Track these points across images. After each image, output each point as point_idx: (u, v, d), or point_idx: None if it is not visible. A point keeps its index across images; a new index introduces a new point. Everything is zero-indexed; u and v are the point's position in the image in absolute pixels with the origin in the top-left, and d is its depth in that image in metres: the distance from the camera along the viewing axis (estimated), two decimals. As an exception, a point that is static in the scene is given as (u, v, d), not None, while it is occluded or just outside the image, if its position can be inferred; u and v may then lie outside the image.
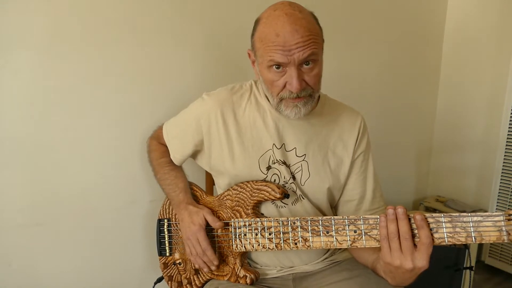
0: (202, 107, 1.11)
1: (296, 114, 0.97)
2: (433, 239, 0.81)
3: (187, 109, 1.17)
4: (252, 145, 1.07)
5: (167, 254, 1.20)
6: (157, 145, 1.26)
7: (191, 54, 1.54)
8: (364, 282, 1.04)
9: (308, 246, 0.94)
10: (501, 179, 2.29)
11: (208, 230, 1.08)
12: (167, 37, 1.48)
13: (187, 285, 1.16)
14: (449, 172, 2.63)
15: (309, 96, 0.97)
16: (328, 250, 1.16)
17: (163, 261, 1.21)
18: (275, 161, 1.06)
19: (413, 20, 2.36)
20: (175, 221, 1.19)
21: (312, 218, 0.93)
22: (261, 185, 1.04)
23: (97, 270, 1.47)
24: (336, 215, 1.16)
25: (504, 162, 2.26)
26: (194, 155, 1.18)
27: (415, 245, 0.81)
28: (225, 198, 1.10)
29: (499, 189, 2.29)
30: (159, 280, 1.26)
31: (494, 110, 2.32)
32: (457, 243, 0.80)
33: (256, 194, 1.04)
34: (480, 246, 2.45)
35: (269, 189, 1.02)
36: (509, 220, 0.75)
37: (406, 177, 2.62)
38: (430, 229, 0.81)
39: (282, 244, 0.97)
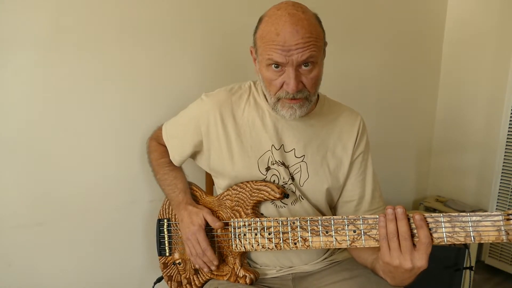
0: (201, 108, 1.11)
1: (292, 115, 0.97)
2: (432, 239, 0.81)
3: (186, 110, 1.17)
4: (251, 146, 1.07)
5: (167, 254, 1.21)
6: (156, 145, 1.26)
7: (191, 54, 1.54)
8: (364, 282, 1.03)
9: (307, 246, 0.94)
10: (501, 179, 2.29)
11: (208, 230, 1.08)
12: (167, 37, 1.48)
13: (187, 285, 1.17)
14: (449, 172, 2.63)
15: (305, 98, 0.96)
16: (328, 250, 1.16)
17: (162, 261, 1.21)
18: (274, 162, 1.06)
19: (413, 20, 2.36)
20: (175, 221, 1.20)
21: (311, 218, 0.93)
22: (260, 185, 1.04)
23: (97, 270, 1.47)
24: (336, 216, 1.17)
25: (504, 162, 2.26)
26: (194, 155, 1.18)
27: (414, 245, 0.82)
28: (224, 198, 1.10)
29: (499, 189, 2.29)
30: (159, 280, 1.26)
31: (494, 110, 2.32)
32: (456, 243, 0.80)
33: (255, 194, 1.04)
34: (480, 246, 2.45)
35: (269, 189, 1.02)
36: (508, 220, 0.75)
37: (406, 177, 2.62)
38: (429, 229, 0.81)
39: (282, 244, 0.97)
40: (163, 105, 1.48)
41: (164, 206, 1.24)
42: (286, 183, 1.07)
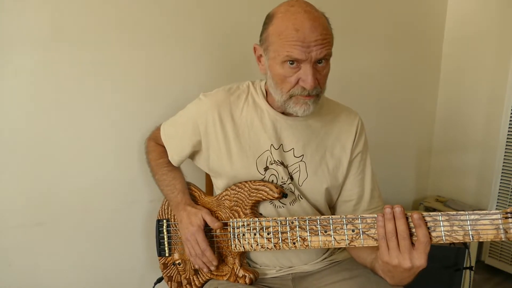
0: (199, 107, 1.10)
1: (305, 111, 0.97)
2: (430, 238, 0.81)
3: (184, 110, 1.17)
4: (250, 146, 1.07)
5: (167, 255, 1.21)
6: (155, 146, 1.26)
7: (191, 54, 1.54)
8: (364, 282, 1.03)
9: (306, 246, 0.94)
10: (501, 179, 2.28)
11: (207, 230, 1.08)
12: (166, 37, 1.48)
13: (187, 285, 1.17)
14: (449, 172, 2.62)
15: (316, 95, 0.97)
16: (328, 250, 1.16)
17: (162, 262, 1.21)
18: (273, 162, 1.06)
19: (413, 20, 2.36)
20: (174, 221, 1.20)
21: (310, 218, 0.93)
22: (259, 185, 1.04)
23: (97, 270, 1.48)
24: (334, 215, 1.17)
25: (504, 162, 2.26)
26: (192, 155, 1.18)
27: (413, 244, 0.81)
28: (223, 198, 1.10)
29: (499, 189, 2.29)
30: (159, 280, 1.27)
31: (494, 109, 2.32)
32: (454, 241, 0.80)
33: (254, 194, 1.04)
34: (480, 246, 2.45)
35: (267, 189, 1.02)
36: (506, 218, 0.75)
37: (406, 177, 2.62)
38: (428, 228, 0.81)
39: (281, 244, 0.97)
40: (163, 105, 1.48)
41: (163, 207, 1.24)
42: (285, 183, 1.07)
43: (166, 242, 1.21)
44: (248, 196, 1.05)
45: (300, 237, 0.94)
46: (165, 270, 1.21)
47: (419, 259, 0.80)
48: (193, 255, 1.09)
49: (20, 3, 1.20)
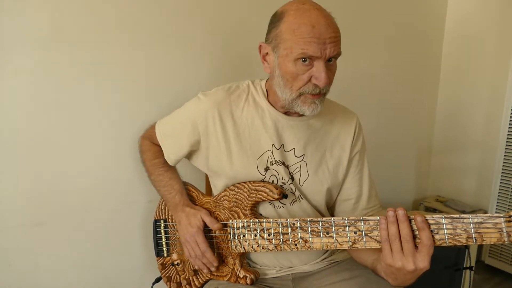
0: (198, 107, 1.09)
1: (313, 110, 0.97)
2: (434, 241, 0.81)
3: (182, 109, 1.14)
4: (250, 145, 1.06)
5: (165, 255, 1.20)
6: (149, 145, 1.23)
7: (191, 54, 1.54)
8: (364, 282, 1.03)
9: (308, 247, 0.93)
10: (501, 179, 2.28)
11: (206, 231, 1.08)
12: (166, 37, 1.47)
13: (186, 286, 1.16)
14: (449, 172, 2.63)
15: (324, 94, 0.97)
16: (327, 250, 1.16)
17: (161, 262, 1.21)
18: (274, 162, 1.06)
19: (413, 20, 2.36)
20: (172, 222, 1.19)
21: (311, 219, 0.93)
22: (258, 186, 1.03)
23: (96, 270, 1.47)
24: (333, 215, 1.17)
25: (504, 162, 2.26)
26: (189, 155, 1.16)
27: (416, 247, 0.81)
28: (222, 198, 1.10)
29: (499, 189, 2.29)
30: (157, 280, 1.26)
31: (494, 110, 2.32)
32: (457, 244, 0.80)
33: (253, 195, 1.03)
34: (480, 246, 2.45)
35: (267, 190, 1.02)
36: (509, 221, 0.75)
37: (406, 177, 2.62)
38: (431, 231, 0.81)
39: (282, 245, 0.96)
40: (163, 105, 1.47)
41: (160, 207, 1.23)
42: (286, 183, 1.06)
43: (164, 243, 1.20)
44: (247, 197, 1.04)
45: (301, 238, 0.94)
46: (163, 271, 1.21)
47: (423, 262, 0.80)
48: (193, 257, 1.09)
49: (20, 3, 1.20)
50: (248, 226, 1.01)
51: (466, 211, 2.35)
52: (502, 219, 0.76)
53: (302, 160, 1.07)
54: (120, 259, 1.52)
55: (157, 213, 1.23)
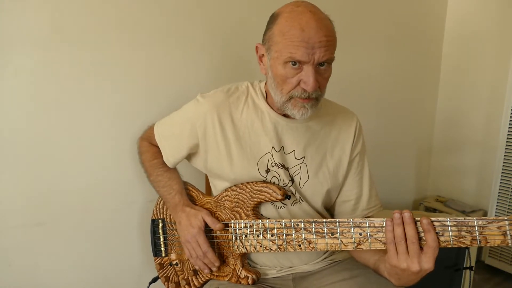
0: (197, 109, 1.08)
1: (303, 114, 0.96)
2: (439, 242, 0.81)
3: (181, 111, 1.14)
4: (251, 148, 1.05)
5: (163, 255, 1.19)
6: (148, 146, 1.22)
7: (191, 54, 1.54)
8: (364, 282, 1.04)
9: (312, 248, 0.93)
10: (501, 179, 2.28)
11: (207, 231, 1.07)
12: (166, 37, 1.47)
13: (185, 286, 1.16)
14: (449, 172, 2.63)
15: (316, 98, 0.96)
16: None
17: (158, 262, 1.20)
18: (274, 164, 1.05)
19: (413, 20, 2.36)
20: (170, 221, 1.18)
21: (316, 220, 0.93)
22: (261, 186, 1.03)
23: (97, 270, 1.47)
24: (332, 216, 1.17)
25: (504, 162, 2.26)
26: (189, 157, 1.16)
27: (421, 248, 0.82)
28: (223, 199, 1.09)
29: (499, 189, 2.29)
30: (154, 280, 1.26)
31: (494, 110, 2.33)
32: (462, 246, 0.81)
33: (256, 195, 1.03)
34: (481, 246, 2.45)
35: (270, 191, 1.02)
36: (513, 224, 0.76)
37: (406, 177, 2.62)
38: (436, 233, 0.81)
39: (285, 246, 0.96)
40: (163, 105, 1.47)
41: (157, 206, 1.22)
42: (286, 185, 1.06)
43: (162, 242, 1.19)
44: (250, 197, 1.04)
45: (305, 239, 0.94)
46: (161, 271, 1.20)
47: (428, 263, 0.81)
48: (194, 257, 1.08)
49: (20, 3, 1.19)
50: (250, 226, 1.01)
51: (466, 211, 2.36)
52: (506, 222, 0.77)
53: (302, 162, 1.06)
54: (120, 259, 1.52)
55: (155, 213, 1.22)
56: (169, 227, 1.18)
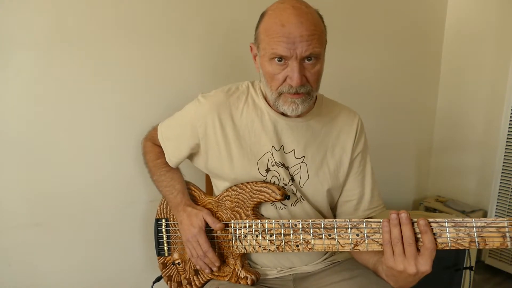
0: (198, 110, 1.08)
1: (294, 110, 0.96)
2: (436, 244, 0.81)
3: (182, 111, 1.15)
4: (251, 148, 1.06)
5: (166, 254, 1.20)
6: (152, 146, 1.24)
7: (191, 54, 1.54)
8: (364, 282, 1.03)
9: (310, 249, 0.93)
10: (501, 179, 2.28)
11: (208, 231, 1.08)
12: (165, 37, 1.47)
13: (187, 286, 1.16)
14: (449, 172, 2.63)
15: (307, 93, 0.95)
16: (328, 250, 1.16)
17: (161, 261, 1.21)
18: (274, 163, 1.05)
19: (413, 19, 2.36)
20: (173, 221, 1.19)
21: (313, 221, 0.93)
22: (261, 186, 1.03)
23: (97, 270, 1.47)
24: (335, 216, 1.16)
25: (504, 162, 2.25)
26: (191, 157, 1.16)
27: (418, 250, 0.81)
28: (224, 198, 1.10)
29: (499, 189, 2.29)
30: (158, 279, 1.26)
31: (494, 110, 2.32)
32: (460, 247, 0.80)
33: (256, 195, 1.03)
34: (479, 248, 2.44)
35: (269, 191, 1.02)
36: (512, 226, 0.75)
37: (406, 177, 2.62)
38: (434, 234, 0.81)
39: (284, 246, 0.96)
40: (163, 105, 1.48)
41: (161, 206, 1.23)
42: (286, 184, 1.06)
43: (165, 242, 1.20)
44: (249, 197, 1.04)
45: (303, 240, 0.94)
46: (164, 270, 1.21)
47: (425, 265, 0.80)
48: (194, 256, 1.09)
49: (20, 3, 1.19)
50: (249, 226, 1.01)
51: (466, 211, 2.35)
52: (505, 224, 0.76)
53: (302, 162, 1.06)
54: (121, 259, 1.52)
55: (159, 212, 1.23)
56: (172, 227, 1.19)
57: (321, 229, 0.92)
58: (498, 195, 2.30)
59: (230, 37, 1.62)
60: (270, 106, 1.06)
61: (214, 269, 1.09)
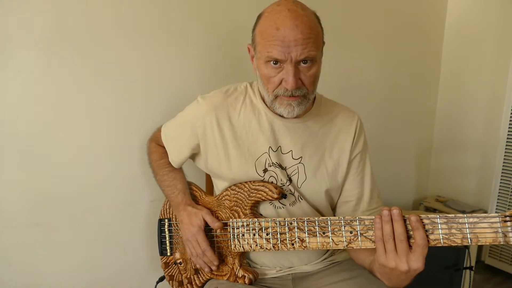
0: (197, 111, 1.10)
1: (290, 112, 0.97)
2: (428, 241, 0.80)
3: (183, 112, 1.16)
4: (248, 148, 1.06)
5: (168, 254, 1.21)
6: (156, 146, 1.26)
7: (190, 54, 1.54)
8: (364, 282, 1.03)
9: (305, 247, 0.93)
10: (501, 179, 2.28)
11: (207, 230, 1.08)
12: (165, 37, 1.48)
13: (188, 285, 1.17)
14: (449, 172, 2.62)
15: (303, 96, 0.96)
16: (328, 250, 1.16)
17: (164, 261, 1.22)
18: (271, 164, 1.06)
19: (413, 19, 2.36)
20: (175, 221, 1.20)
21: (308, 219, 0.93)
22: (258, 185, 1.04)
23: (98, 270, 1.48)
24: (335, 216, 1.16)
25: (504, 162, 2.26)
26: (192, 157, 1.18)
27: (410, 247, 0.81)
28: (223, 198, 1.10)
29: (499, 189, 2.29)
30: (161, 279, 1.27)
31: (494, 110, 2.32)
32: (453, 244, 0.79)
33: (253, 195, 1.04)
34: (480, 246, 2.45)
35: (267, 189, 1.02)
36: (505, 221, 0.74)
37: (406, 177, 2.62)
38: (426, 231, 0.80)
39: (279, 245, 0.97)
40: (163, 105, 1.48)
41: (165, 206, 1.24)
42: (284, 185, 1.06)
43: (167, 242, 1.21)
44: (247, 196, 1.05)
45: (298, 238, 0.94)
46: (166, 269, 1.21)
47: (416, 262, 0.79)
48: (194, 255, 1.09)
49: (20, 3, 1.20)
50: (247, 225, 1.01)
51: (466, 211, 2.35)
52: (497, 219, 0.75)
53: (299, 163, 1.06)
54: (122, 259, 1.52)
55: (162, 212, 1.24)
56: (174, 227, 1.20)
57: (315, 227, 0.92)
58: (498, 195, 2.30)
59: (230, 37, 1.62)
60: (267, 107, 1.06)
61: (213, 268, 1.09)
